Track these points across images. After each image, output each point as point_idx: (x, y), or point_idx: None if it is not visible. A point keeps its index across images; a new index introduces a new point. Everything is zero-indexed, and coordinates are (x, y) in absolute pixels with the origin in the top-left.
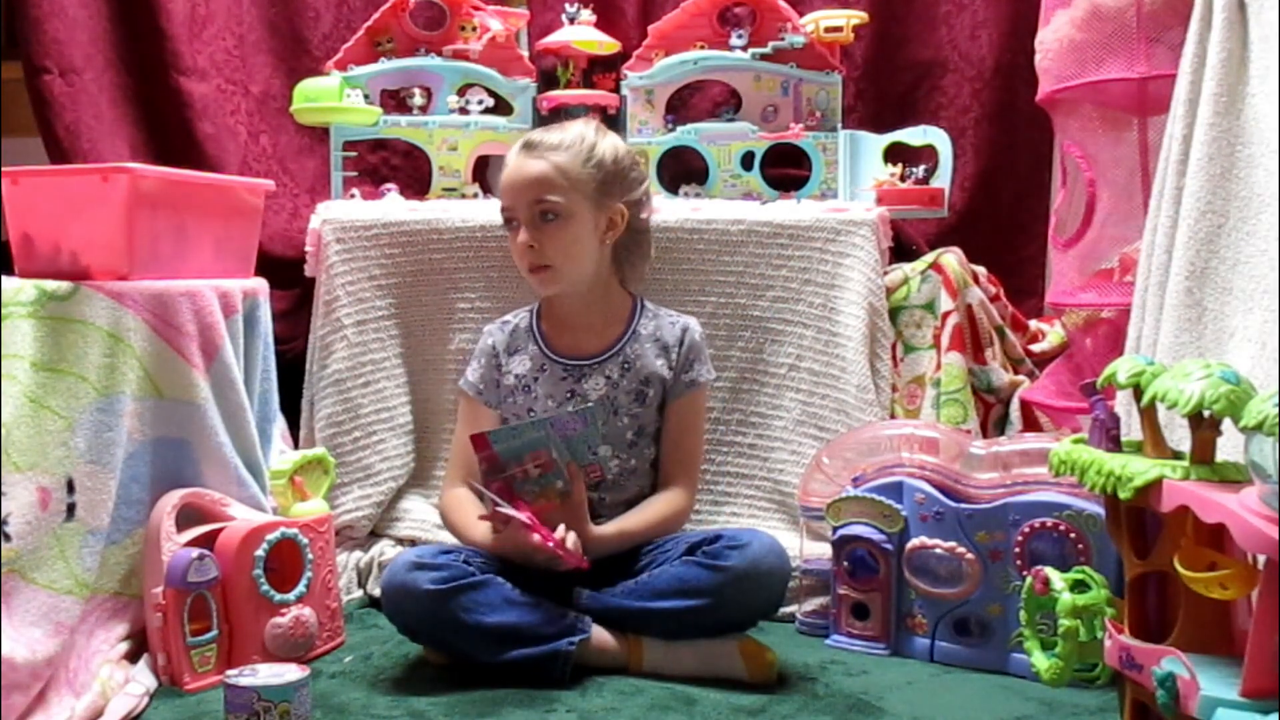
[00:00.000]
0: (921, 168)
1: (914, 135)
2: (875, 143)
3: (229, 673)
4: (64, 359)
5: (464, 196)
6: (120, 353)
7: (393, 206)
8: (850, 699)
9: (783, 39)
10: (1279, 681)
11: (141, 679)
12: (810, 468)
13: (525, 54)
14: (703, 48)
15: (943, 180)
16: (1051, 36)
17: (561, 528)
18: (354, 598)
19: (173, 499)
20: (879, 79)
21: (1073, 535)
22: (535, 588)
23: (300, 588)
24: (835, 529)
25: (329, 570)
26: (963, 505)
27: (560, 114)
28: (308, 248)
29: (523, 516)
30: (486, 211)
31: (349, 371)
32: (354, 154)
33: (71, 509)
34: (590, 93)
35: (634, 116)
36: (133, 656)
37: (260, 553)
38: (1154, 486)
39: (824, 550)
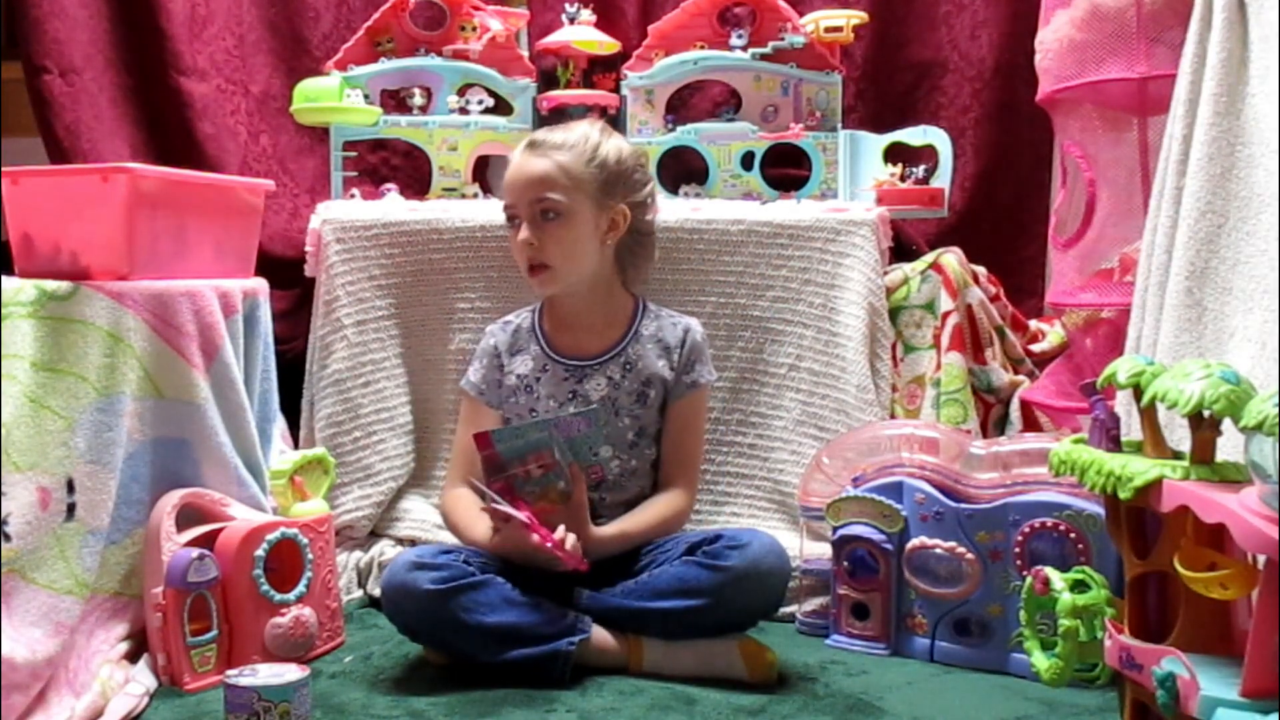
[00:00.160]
0: (921, 168)
1: (914, 135)
2: (875, 143)
3: (229, 673)
4: (64, 359)
5: (464, 196)
6: (120, 353)
7: (393, 206)
8: (850, 699)
9: (783, 39)
10: (1279, 681)
11: (141, 679)
12: (810, 468)
13: (525, 54)
14: (703, 48)
15: (943, 180)
16: (1051, 36)
17: (561, 528)
18: (354, 598)
19: (173, 499)
20: (879, 79)
21: (1073, 535)
22: (535, 588)
23: (300, 588)
24: (835, 529)
25: (329, 570)
26: (963, 505)
27: (560, 114)
28: (308, 248)
29: (522, 516)
30: (486, 211)
31: (349, 371)
32: (354, 154)
33: (71, 509)
34: (590, 93)
35: (634, 116)
36: (133, 656)
37: (260, 553)
38: (1154, 486)
39: (824, 550)
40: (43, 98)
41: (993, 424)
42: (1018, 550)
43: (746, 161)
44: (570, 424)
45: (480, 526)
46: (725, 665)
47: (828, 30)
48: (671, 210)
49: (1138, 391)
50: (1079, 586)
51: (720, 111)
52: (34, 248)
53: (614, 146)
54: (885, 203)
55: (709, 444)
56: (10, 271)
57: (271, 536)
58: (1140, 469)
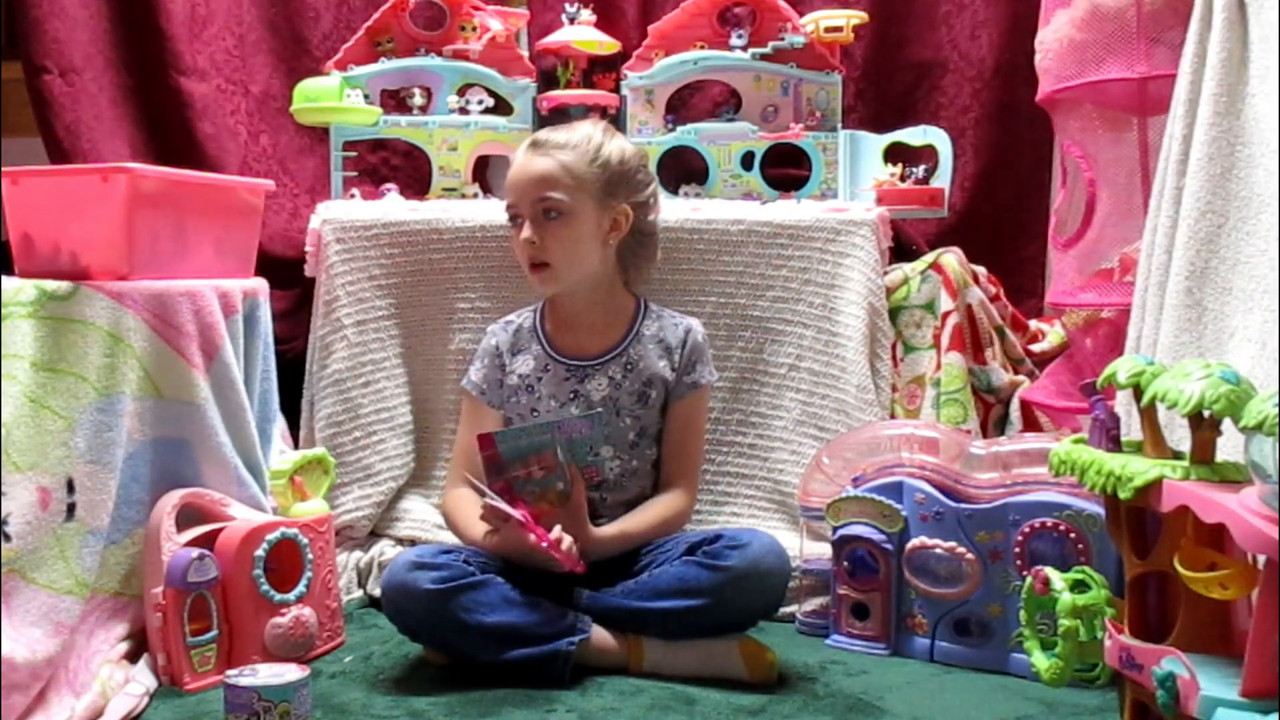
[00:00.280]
0: (921, 168)
1: (914, 135)
2: (875, 143)
3: (229, 673)
4: (64, 359)
5: (464, 196)
6: (120, 353)
7: (393, 206)
8: (850, 699)
9: (783, 39)
10: (1279, 681)
11: (141, 679)
12: (810, 468)
13: (525, 54)
14: (703, 48)
15: (943, 180)
16: (1051, 36)
17: (558, 528)
18: (354, 598)
19: (173, 499)
20: (879, 79)
21: (1073, 535)
22: (535, 588)
23: (300, 588)
24: (835, 529)
25: (329, 570)
26: (963, 505)
27: (560, 114)
28: (308, 248)
29: (518, 515)
30: (486, 211)
31: (349, 371)
32: (354, 154)
33: (71, 509)
34: (590, 93)
35: (634, 116)
36: (133, 656)
37: (260, 553)
38: (1154, 486)
39: (824, 550)
40: (43, 98)
41: (993, 424)
42: (1018, 550)
43: (746, 161)
44: (573, 426)
45: (480, 526)
46: (725, 665)
47: (828, 30)
48: (671, 210)
49: (1138, 391)
50: (1079, 586)
51: (720, 111)
52: (34, 248)
53: (617, 147)
54: (885, 203)
55: (709, 444)
56: (10, 271)
57: (271, 536)
58: (1140, 469)
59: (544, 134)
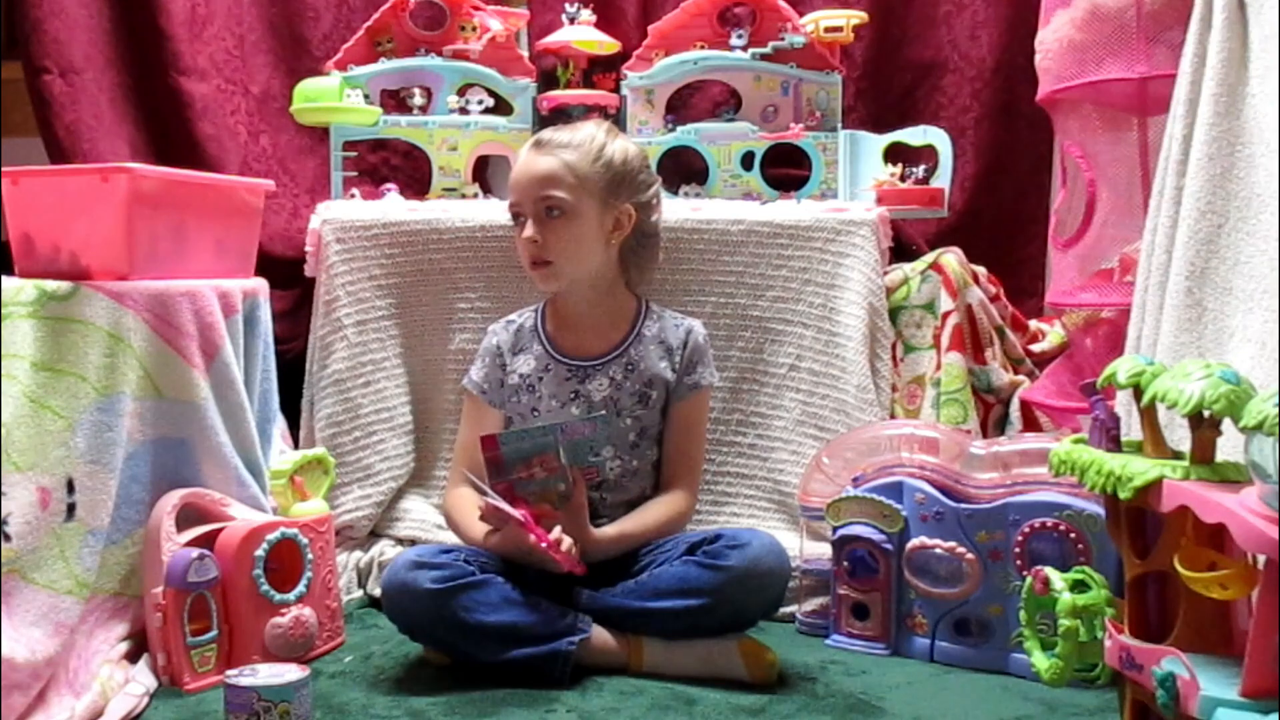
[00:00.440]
0: (921, 168)
1: (914, 135)
2: (875, 143)
3: (229, 673)
4: (64, 359)
5: (464, 196)
6: (120, 353)
7: (393, 206)
8: (850, 699)
9: (783, 39)
10: (1279, 681)
11: (141, 679)
12: (810, 468)
13: (525, 54)
14: (703, 48)
15: (943, 180)
16: (1051, 36)
17: (557, 529)
18: (354, 598)
19: (173, 499)
20: (879, 79)
21: (1073, 535)
22: (536, 588)
23: (300, 588)
24: (835, 529)
25: (329, 570)
26: (963, 505)
27: (560, 114)
28: (308, 248)
29: (518, 514)
30: (486, 211)
31: (349, 371)
32: (354, 154)
33: (71, 509)
34: (590, 93)
35: (634, 116)
36: (133, 656)
37: (260, 553)
38: (1154, 486)
39: (824, 550)
40: (43, 98)
41: (993, 424)
42: (1018, 550)
43: (746, 161)
44: (576, 429)
45: (481, 525)
46: (725, 665)
47: (828, 30)
48: (671, 210)
49: (1138, 391)
50: (1079, 586)
51: (720, 111)
52: (34, 248)
53: (620, 147)
54: (885, 203)
55: (709, 444)
56: (10, 271)
57: (271, 536)
58: (1140, 469)
59: (547, 133)
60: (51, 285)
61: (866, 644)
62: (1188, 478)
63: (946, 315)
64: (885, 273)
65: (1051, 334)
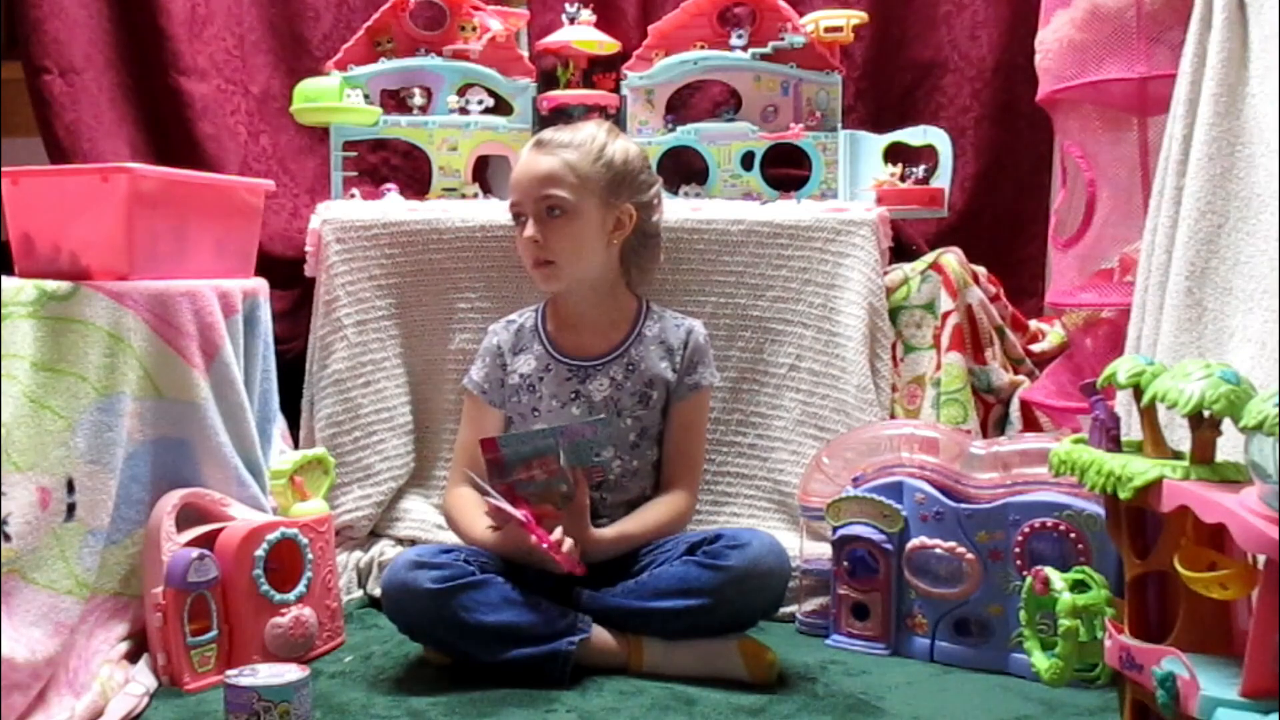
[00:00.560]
0: (921, 168)
1: (914, 135)
2: (875, 143)
3: (229, 673)
4: (64, 359)
5: (464, 196)
6: (120, 353)
7: (393, 206)
8: (850, 699)
9: (783, 39)
10: (1279, 681)
11: (141, 679)
12: (810, 468)
13: (525, 54)
14: (703, 48)
15: (943, 180)
16: (1051, 36)
17: (558, 531)
18: (354, 598)
19: (173, 499)
20: (879, 79)
21: (1073, 535)
22: (536, 588)
23: (300, 588)
24: (835, 529)
25: (329, 570)
26: (963, 505)
27: (560, 114)
28: (308, 248)
29: (520, 515)
30: (486, 211)
31: (349, 371)
32: (354, 154)
33: (71, 509)
34: (590, 93)
35: (634, 116)
36: (133, 656)
37: (260, 553)
38: (1154, 486)
39: (824, 550)
40: (43, 98)
41: (993, 424)
42: (1018, 550)
43: (746, 161)
44: (577, 431)
45: (481, 524)
46: (725, 665)
47: (828, 30)
48: (671, 210)
49: (1138, 391)
50: (1079, 586)
51: (720, 111)
52: (34, 248)
53: (621, 147)
54: (885, 203)
55: (709, 444)
56: (10, 271)
57: (271, 536)
58: (1140, 469)
59: (548, 133)
60: (51, 285)
61: (866, 644)
62: (1188, 478)
63: (946, 315)
64: (885, 273)
65: (1051, 334)
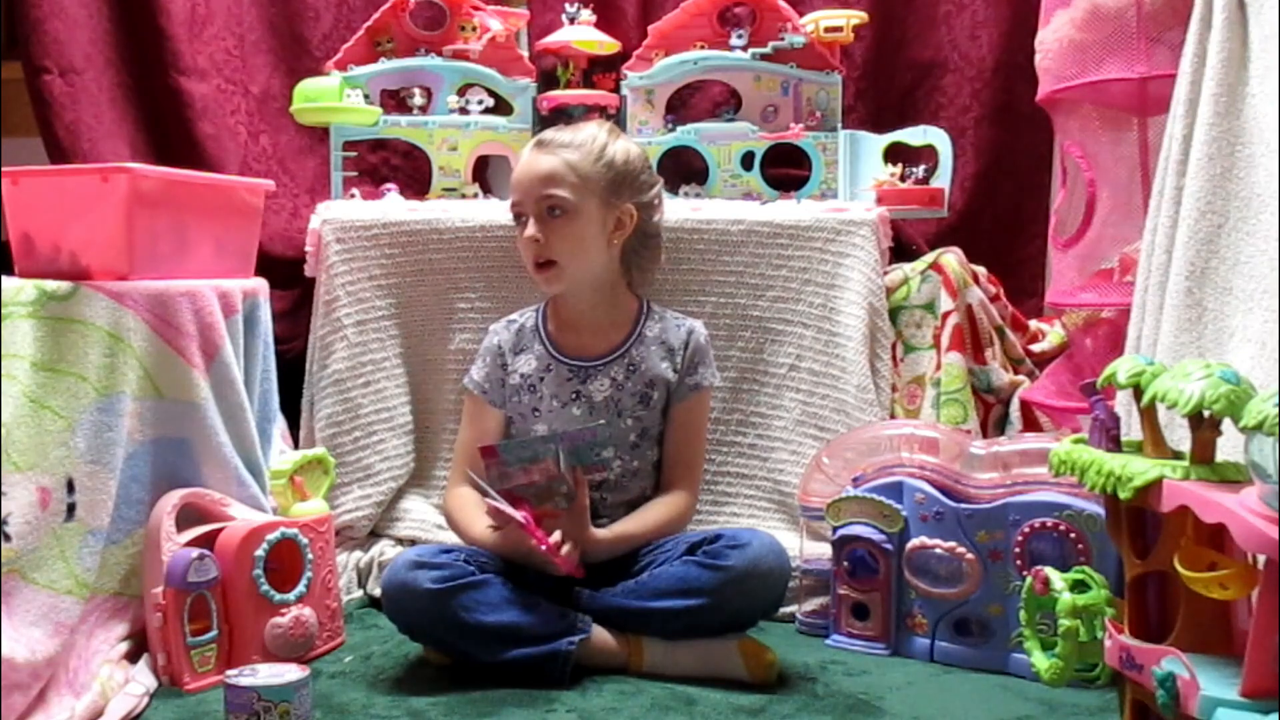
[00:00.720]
0: (921, 168)
1: (914, 135)
2: (875, 143)
3: (229, 673)
4: (64, 359)
5: (464, 196)
6: (120, 353)
7: (393, 206)
8: (850, 699)
9: (783, 39)
10: (1279, 681)
11: (141, 679)
12: (810, 468)
13: (525, 54)
14: (703, 48)
15: (943, 180)
16: (1051, 36)
17: (558, 533)
18: (354, 598)
19: (173, 499)
20: (879, 79)
21: (1073, 535)
22: (536, 588)
23: (300, 588)
24: (835, 529)
25: (329, 570)
26: (963, 505)
27: (560, 114)
28: (308, 248)
29: (520, 516)
30: (486, 211)
31: (349, 371)
32: (354, 154)
33: (71, 509)
34: (590, 93)
35: (634, 116)
36: (133, 656)
37: (260, 553)
38: (1154, 486)
39: (824, 550)
40: (43, 98)
41: (993, 424)
42: (1018, 550)
43: (746, 161)
44: (577, 437)
45: (481, 524)
46: (725, 665)
47: (828, 30)
48: (671, 210)
49: (1138, 391)
50: (1079, 586)
51: (720, 111)
52: (34, 248)
53: (622, 147)
54: (885, 203)
55: (709, 444)
56: (10, 271)
57: (271, 536)
58: (1140, 469)
59: (549, 133)
60: (51, 285)
61: (866, 644)
62: (1188, 478)
63: (946, 315)
64: (885, 273)
65: (1051, 334)
